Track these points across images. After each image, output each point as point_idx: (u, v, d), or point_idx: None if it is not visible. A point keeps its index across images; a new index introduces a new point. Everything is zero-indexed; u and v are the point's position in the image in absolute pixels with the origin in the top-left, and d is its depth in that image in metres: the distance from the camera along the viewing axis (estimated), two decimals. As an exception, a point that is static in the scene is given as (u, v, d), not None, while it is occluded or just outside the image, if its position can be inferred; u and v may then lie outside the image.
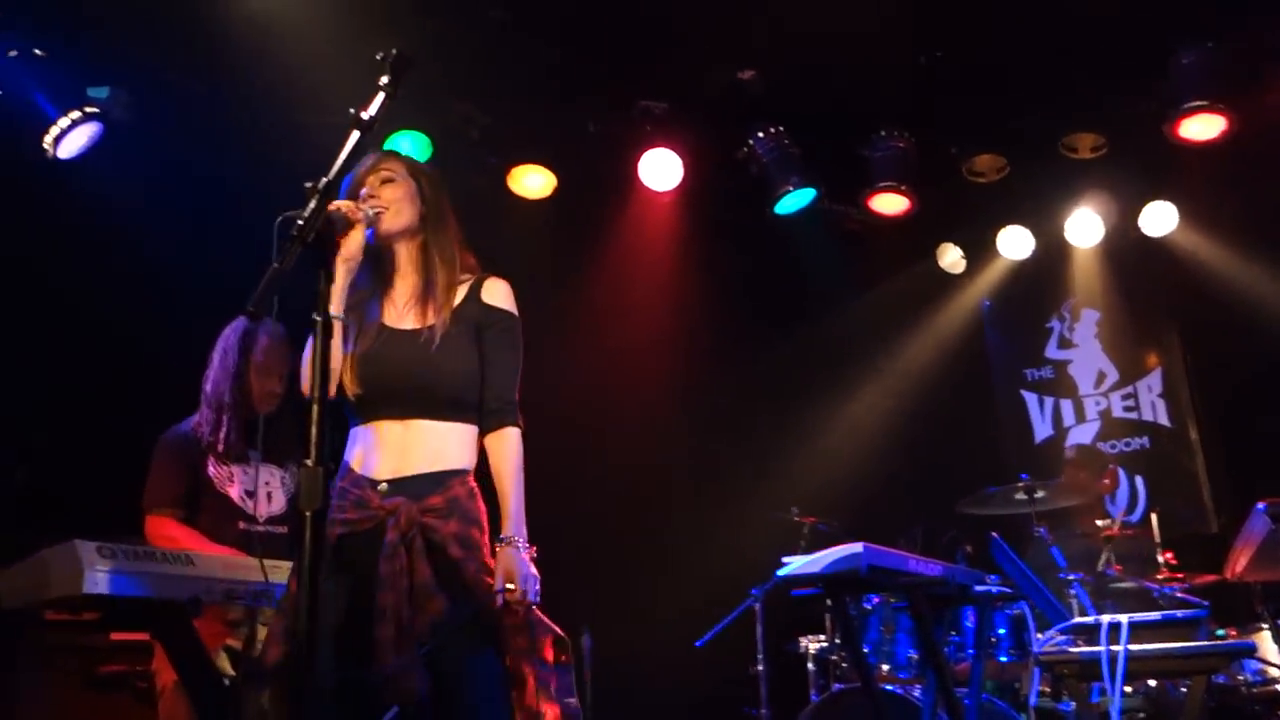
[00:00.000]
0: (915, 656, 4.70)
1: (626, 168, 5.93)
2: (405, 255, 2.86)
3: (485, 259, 6.00)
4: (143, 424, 3.78)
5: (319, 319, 2.37)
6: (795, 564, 3.11)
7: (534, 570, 2.68)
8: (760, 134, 5.91)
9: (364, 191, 2.76)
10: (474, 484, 2.75)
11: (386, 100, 1.93)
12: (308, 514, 1.63)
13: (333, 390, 2.64)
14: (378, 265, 2.85)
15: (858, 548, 3.02)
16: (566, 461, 6.01)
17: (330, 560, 2.55)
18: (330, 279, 2.46)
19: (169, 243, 4.72)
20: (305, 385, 2.63)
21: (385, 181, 2.82)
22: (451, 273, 2.86)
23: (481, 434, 2.79)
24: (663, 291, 6.43)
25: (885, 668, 4.75)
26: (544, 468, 5.84)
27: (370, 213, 2.71)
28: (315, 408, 1.64)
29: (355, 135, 1.87)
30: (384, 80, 1.94)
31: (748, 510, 6.02)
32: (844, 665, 5.02)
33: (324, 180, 1.81)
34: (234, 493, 3.65)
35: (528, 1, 5.06)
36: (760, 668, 5.33)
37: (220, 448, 3.63)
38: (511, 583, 2.62)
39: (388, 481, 2.66)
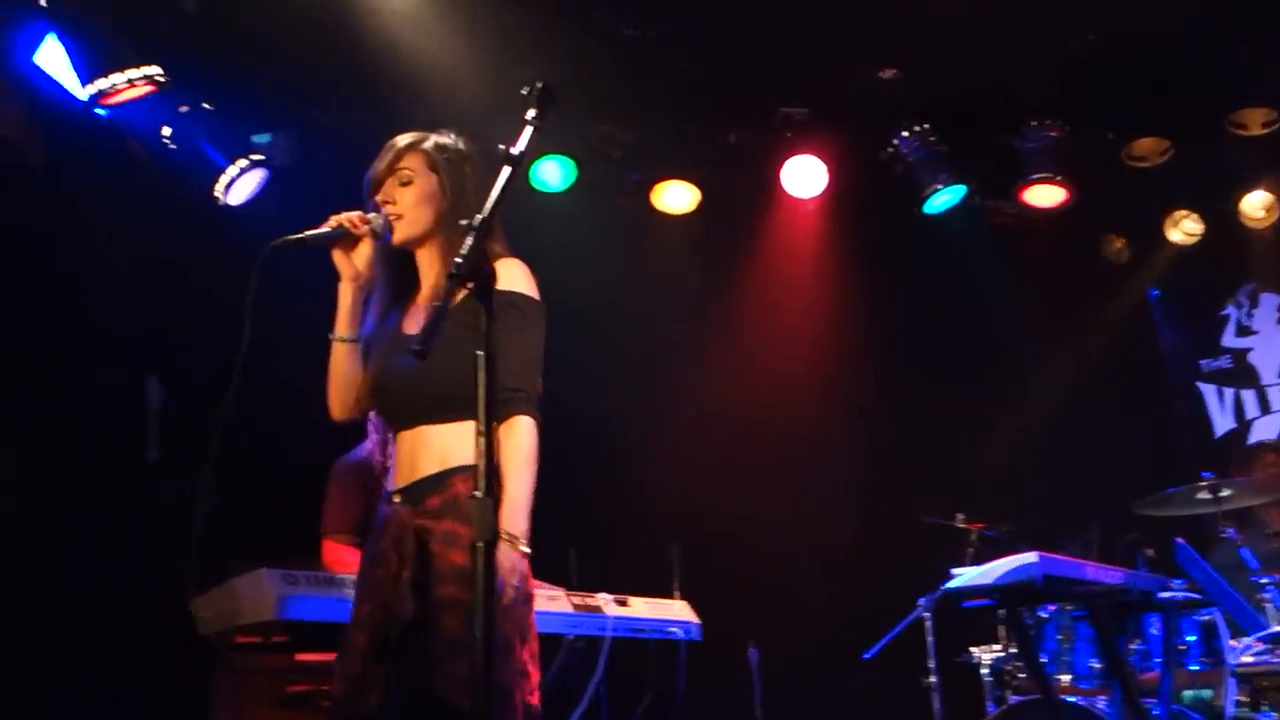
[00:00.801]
0: (1097, 666, 4.49)
1: (769, 177, 5.89)
2: (425, 258, 2.68)
3: (632, 276, 6.12)
4: (318, 451, 3.93)
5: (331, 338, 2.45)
6: (966, 575, 3.03)
7: (522, 569, 2.41)
8: (904, 133, 5.79)
9: (378, 199, 2.63)
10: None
11: (535, 133, 1.96)
12: (479, 545, 1.66)
13: (354, 410, 2.65)
14: (401, 270, 2.70)
15: (1032, 557, 2.91)
16: (722, 475, 6.01)
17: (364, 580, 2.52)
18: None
19: (335, 278, 4.89)
20: (330, 408, 2.67)
21: (403, 184, 2.64)
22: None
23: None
24: (813, 299, 6.35)
25: (1065, 678, 4.55)
26: (702, 482, 5.91)
27: (380, 222, 2.59)
28: (481, 439, 1.67)
29: (507, 171, 1.90)
30: (531, 113, 1.97)
31: (910, 518, 5.88)
32: (1020, 676, 4.83)
33: (479, 218, 1.84)
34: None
35: (661, 19, 5.09)
36: (932, 680, 5.18)
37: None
38: (501, 575, 2.36)
39: (400, 491, 2.55)
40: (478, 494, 1.70)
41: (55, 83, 4.16)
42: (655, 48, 5.20)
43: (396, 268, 2.67)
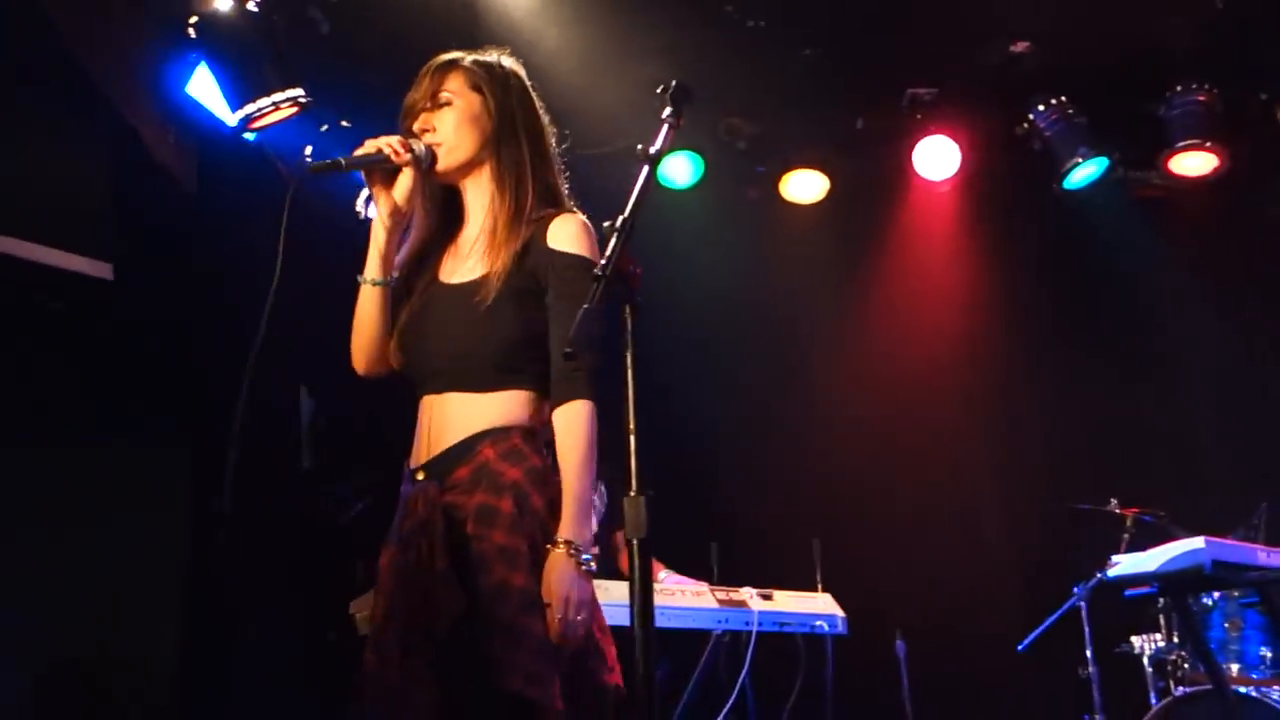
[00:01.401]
0: (1270, 654, 4.29)
1: (900, 160, 5.78)
2: (472, 191, 2.36)
3: (764, 268, 6.09)
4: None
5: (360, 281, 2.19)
6: (1127, 563, 2.92)
7: (587, 590, 2.07)
8: (1040, 107, 5.60)
9: (416, 127, 2.31)
10: (520, 441, 2.18)
11: (670, 132, 1.97)
12: (634, 542, 1.68)
13: (381, 366, 2.35)
14: (445, 207, 2.40)
15: (1198, 542, 2.79)
16: (862, 465, 5.94)
17: (389, 567, 2.20)
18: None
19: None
20: (354, 361, 2.37)
21: (442, 106, 2.32)
22: (519, 206, 2.29)
23: (551, 407, 2.19)
24: (952, 284, 6.22)
25: (1235, 668, 4.37)
26: (841, 472, 5.85)
27: (421, 150, 2.27)
28: (631, 437, 1.69)
29: (645, 171, 1.91)
30: (666, 112, 1.97)
31: (1060, 504, 5.70)
32: (1185, 666, 4.64)
33: (621, 219, 1.84)
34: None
35: (785, 8, 5.04)
36: (1090, 671, 5.02)
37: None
38: (550, 601, 2.05)
39: (423, 467, 2.22)
40: (631, 493, 1.71)
41: (206, 110, 4.36)
42: (779, 37, 5.15)
43: (438, 204, 2.38)
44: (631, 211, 1.88)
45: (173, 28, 4.23)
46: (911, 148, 5.73)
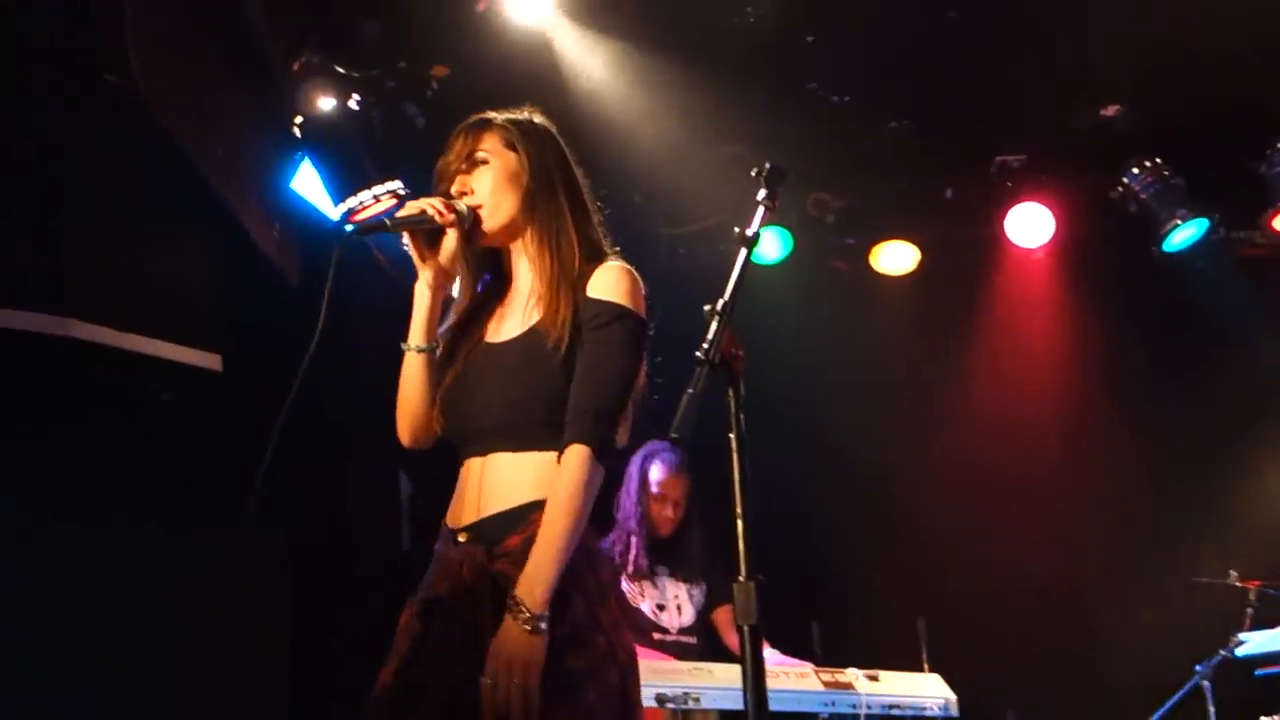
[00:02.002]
0: None
1: (992, 228, 5.73)
2: (514, 251, 2.30)
3: (857, 341, 6.04)
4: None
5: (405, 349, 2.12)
6: (1256, 640, 2.79)
7: (536, 654, 1.91)
8: (1135, 169, 5.52)
9: (452, 191, 2.25)
10: None
11: (766, 213, 1.98)
12: (745, 628, 1.66)
13: (427, 435, 2.28)
14: (485, 270, 2.34)
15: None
16: (965, 539, 5.79)
17: (416, 633, 2.10)
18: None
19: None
20: (399, 432, 2.31)
21: (478, 166, 2.27)
22: (565, 263, 2.22)
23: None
24: (1052, 352, 6.09)
25: (1377, 752, 4.11)
26: (944, 547, 5.71)
27: (464, 210, 2.21)
28: (739, 522, 1.68)
29: (743, 254, 1.92)
30: (761, 194, 1.99)
31: (1174, 578, 5.49)
32: (1322, 750, 4.39)
33: (721, 302, 1.84)
34: (646, 607, 3.87)
35: (869, 83, 5.07)
36: (1217, 754, 4.77)
37: (630, 568, 3.86)
38: (494, 663, 1.90)
39: (467, 529, 2.13)
40: (739, 579, 1.69)
41: (310, 205, 4.52)
42: (863, 111, 5.18)
43: (478, 267, 2.32)
44: (731, 294, 1.87)
45: (279, 127, 4.42)
46: (1003, 215, 5.67)
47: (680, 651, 3.79)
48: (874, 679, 3.87)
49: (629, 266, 2.22)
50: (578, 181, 2.34)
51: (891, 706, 3.83)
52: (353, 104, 4.42)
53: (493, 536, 2.08)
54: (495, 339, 2.25)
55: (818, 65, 4.92)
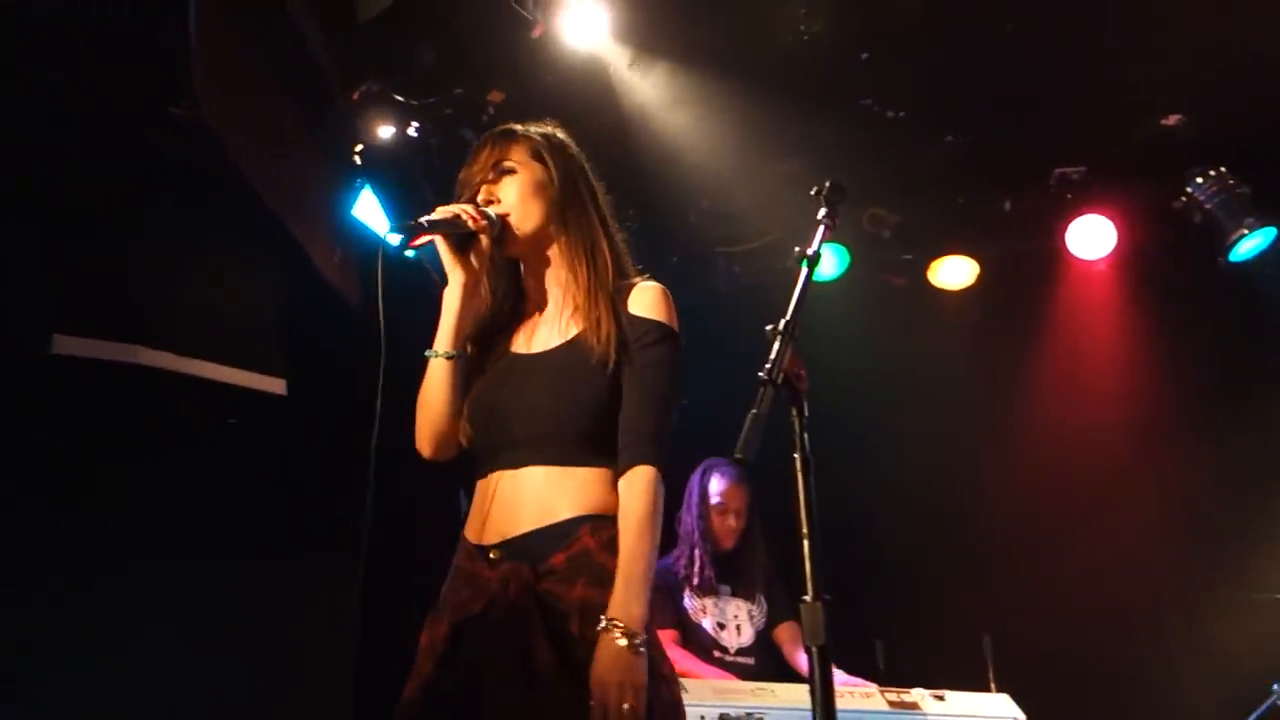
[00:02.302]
0: None
1: (1052, 241, 5.67)
2: (540, 262, 2.29)
3: (917, 357, 6.00)
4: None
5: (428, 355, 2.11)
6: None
7: (639, 676, 1.88)
8: (1198, 178, 5.41)
9: (479, 199, 2.25)
10: (618, 531, 2.05)
11: (826, 231, 1.98)
12: (813, 649, 1.65)
13: (450, 447, 2.24)
14: (509, 280, 2.33)
15: None
16: (1030, 556, 5.70)
17: (442, 653, 2.07)
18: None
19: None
20: (419, 443, 2.27)
21: (504, 175, 2.27)
22: (600, 273, 2.23)
23: (617, 474, 2.08)
24: (1116, 365, 5.99)
25: None
26: (1009, 563, 5.62)
27: (495, 216, 2.21)
28: (805, 542, 1.67)
29: (804, 273, 1.92)
30: (821, 212, 1.99)
31: (1247, 594, 5.37)
32: None
33: (783, 321, 1.84)
34: (707, 624, 3.86)
35: (924, 97, 5.04)
36: (1298, 776, 4.64)
37: (695, 582, 3.86)
38: (599, 688, 1.88)
39: (498, 546, 2.08)
40: (806, 599, 1.69)
41: (370, 230, 4.59)
42: (919, 126, 5.15)
43: (502, 277, 2.32)
44: (793, 313, 1.88)
45: (339, 156, 4.50)
46: (1063, 227, 5.61)
47: (737, 672, 3.77)
48: (940, 699, 3.81)
49: (663, 286, 2.23)
50: (600, 196, 2.36)
51: (959, 727, 3.77)
52: (411, 131, 4.48)
53: (533, 554, 2.04)
54: (528, 350, 2.23)
55: (872, 81, 4.90)
